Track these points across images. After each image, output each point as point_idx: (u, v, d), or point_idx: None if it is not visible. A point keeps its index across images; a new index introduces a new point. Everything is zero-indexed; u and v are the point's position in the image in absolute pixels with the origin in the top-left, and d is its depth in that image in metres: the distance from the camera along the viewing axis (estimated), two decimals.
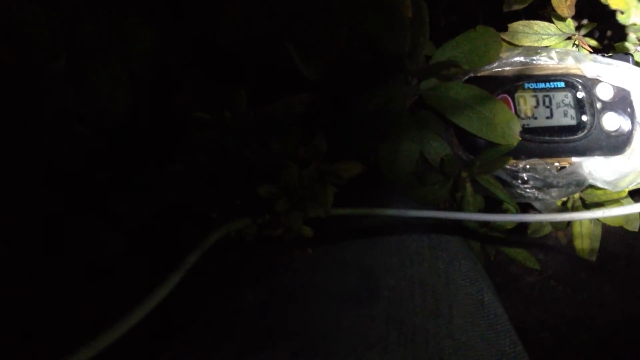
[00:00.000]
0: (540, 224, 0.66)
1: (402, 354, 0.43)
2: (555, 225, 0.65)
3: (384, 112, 0.56)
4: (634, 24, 0.64)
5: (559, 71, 0.63)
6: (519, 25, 0.68)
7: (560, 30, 0.66)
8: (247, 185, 0.46)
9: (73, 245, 0.57)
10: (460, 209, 0.60)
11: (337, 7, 0.45)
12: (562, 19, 0.68)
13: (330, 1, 0.45)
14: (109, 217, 0.57)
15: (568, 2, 0.65)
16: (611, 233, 0.79)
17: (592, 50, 0.68)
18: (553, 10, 0.66)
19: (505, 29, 0.68)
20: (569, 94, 0.63)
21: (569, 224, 0.69)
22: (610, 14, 0.66)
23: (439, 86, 0.57)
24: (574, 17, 0.70)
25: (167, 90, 0.56)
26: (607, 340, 1.11)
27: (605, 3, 0.63)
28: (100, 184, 0.56)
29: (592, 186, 0.68)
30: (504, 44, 0.69)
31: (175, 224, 0.57)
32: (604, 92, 0.62)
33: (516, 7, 0.65)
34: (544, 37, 0.68)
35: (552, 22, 0.68)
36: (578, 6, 0.66)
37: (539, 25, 0.69)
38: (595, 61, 0.59)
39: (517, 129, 0.57)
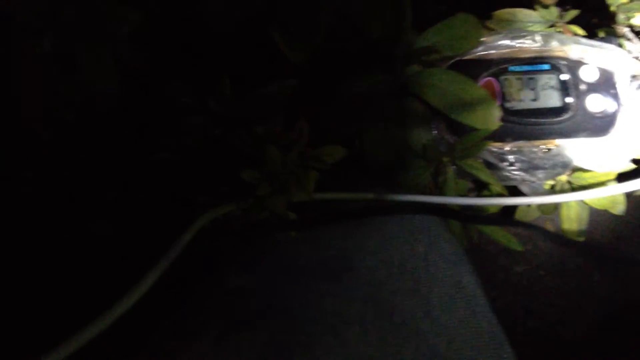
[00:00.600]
0: (527, 208, 0.66)
1: (379, 332, 0.44)
2: (543, 209, 0.65)
3: (368, 98, 0.57)
4: (623, 3, 0.63)
5: (544, 54, 0.64)
6: (503, 13, 0.69)
7: (544, 18, 0.68)
8: (232, 170, 0.47)
9: (60, 233, 0.57)
10: (442, 193, 0.61)
11: None
12: (545, 6, 0.69)
13: None
14: (97, 204, 0.57)
15: None
16: (599, 223, 0.79)
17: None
18: None
19: (490, 17, 0.69)
20: (554, 76, 0.64)
21: (556, 209, 0.68)
22: (593, 1, 0.68)
23: (422, 72, 0.57)
24: (557, 5, 0.71)
25: (155, 77, 0.56)
26: (596, 330, 1.11)
27: None
28: (87, 170, 0.56)
29: (579, 169, 0.69)
30: (489, 30, 0.70)
31: (162, 209, 0.57)
32: (588, 74, 0.63)
33: None
34: (527, 24, 0.69)
35: (536, 9, 0.69)
36: None
37: (523, 12, 0.70)
38: (579, 43, 0.60)
39: (497, 114, 0.58)
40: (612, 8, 0.64)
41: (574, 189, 0.67)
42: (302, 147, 0.48)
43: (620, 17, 0.63)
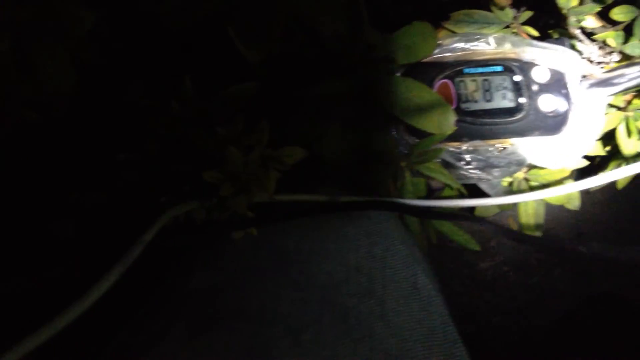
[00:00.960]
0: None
1: (334, 334, 0.44)
2: (502, 205, 0.66)
3: (326, 102, 0.58)
4: (574, 7, 0.64)
5: (497, 56, 0.65)
6: (460, 14, 0.70)
7: (499, 19, 0.70)
8: (194, 170, 0.47)
9: (21, 234, 0.57)
10: (401, 195, 0.61)
11: None
12: (501, 7, 0.71)
13: None
14: (58, 204, 0.57)
15: None
16: (560, 220, 0.81)
17: (530, 38, 0.70)
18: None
19: (448, 17, 0.71)
20: (507, 78, 0.65)
21: (515, 205, 0.70)
22: (547, 2, 0.70)
23: (379, 79, 0.58)
24: (512, 6, 0.72)
25: (117, 78, 0.57)
26: (559, 324, 1.14)
27: None
28: (47, 170, 0.56)
29: (534, 166, 0.71)
30: (447, 33, 0.71)
31: (125, 209, 0.57)
32: (539, 75, 0.65)
33: None
34: (483, 25, 0.70)
35: (492, 11, 0.71)
36: None
37: (479, 14, 0.71)
38: (531, 45, 0.62)
39: (453, 119, 0.58)
40: (564, 11, 0.65)
41: (530, 186, 0.68)
42: (263, 148, 0.49)
43: (572, 19, 0.65)
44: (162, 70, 0.56)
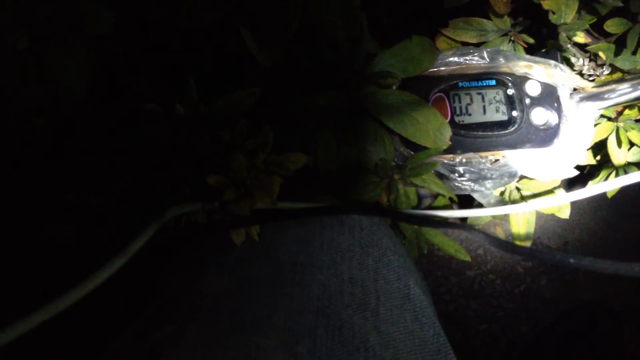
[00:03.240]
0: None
1: (329, 346, 0.44)
2: (494, 215, 0.66)
3: (323, 115, 0.58)
4: (565, 23, 0.64)
5: (491, 70, 0.66)
6: (458, 22, 0.71)
7: (497, 27, 0.72)
8: (197, 174, 0.47)
9: (22, 237, 0.56)
10: (394, 206, 0.63)
11: None
12: (499, 15, 0.72)
13: None
14: (59, 206, 0.56)
15: (504, 0, 0.69)
16: (547, 228, 0.80)
17: (526, 46, 0.74)
18: (490, 7, 0.70)
19: (447, 25, 0.72)
20: (500, 91, 0.66)
21: (505, 214, 0.69)
22: (544, 13, 0.71)
23: (376, 92, 0.59)
24: (510, 15, 0.74)
25: (122, 80, 0.57)
26: (544, 332, 1.19)
27: (537, 2, 0.68)
28: (49, 173, 0.56)
29: (526, 178, 0.72)
30: (445, 40, 0.73)
31: (126, 212, 0.57)
32: (532, 89, 0.66)
33: (457, 3, 0.69)
34: (482, 33, 0.73)
35: (490, 19, 0.73)
36: (514, 4, 0.70)
37: (478, 21, 0.72)
38: (523, 60, 0.62)
39: (448, 134, 0.59)
40: (560, 28, 0.65)
41: (522, 196, 0.67)
42: (267, 153, 0.49)
43: (563, 35, 0.64)
44: (166, 74, 0.57)
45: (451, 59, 0.65)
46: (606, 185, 0.56)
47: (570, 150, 0.67)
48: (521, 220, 0.73)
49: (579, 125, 0.67)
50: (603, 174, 0.73)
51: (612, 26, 0.71)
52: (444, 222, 0.62)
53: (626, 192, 0.75)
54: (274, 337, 0.44)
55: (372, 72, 0.58)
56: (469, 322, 1.15)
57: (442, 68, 0.65)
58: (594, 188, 0.56)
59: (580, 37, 0.70)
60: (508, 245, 0.50)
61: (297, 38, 0.49)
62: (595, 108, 0.67)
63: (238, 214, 0.45)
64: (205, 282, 0.50)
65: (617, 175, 0.73)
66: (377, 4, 0.72)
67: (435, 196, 0.77)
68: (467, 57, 0.65)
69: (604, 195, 0.70)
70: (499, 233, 1.08)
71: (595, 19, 0.72)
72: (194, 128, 0.50)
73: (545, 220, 1.13)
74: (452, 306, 1.15)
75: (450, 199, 0.66)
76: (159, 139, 0.50)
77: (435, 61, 0.62)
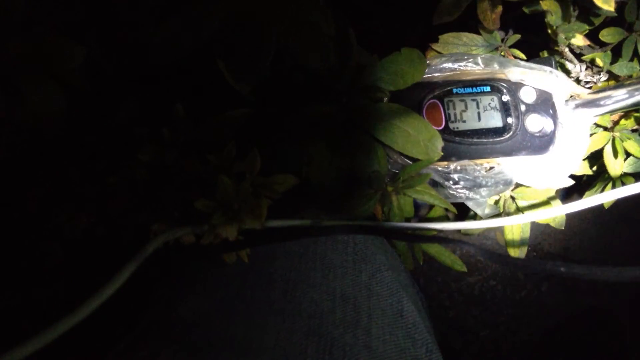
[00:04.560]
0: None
1: None
2: (488, 227, 0.64)
3: (314, 129, 0.58)
4: (563, 24, 0.62)
5: (485, 76, 0.66)
6: (449, 37, 0.71)
7: (487, 42, 0.73)
8: (185, 197, 0.48)
9: (11, 255, 0.57)
10: (388, 219, 0.62)
11: (263, 26, 0.47)
12: (489, 31, 0.72)
13: (256, 21, 0.47)
14: (49, 227, 0.57)
15: (493, 16, 0.68)
16: (548, 234, 0.78)
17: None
18: (480, 23, 0.69)
19: (437, 40, 0.71)
20: (495, 98, 0.65)
21: None
22: (534, 26, 0.71)
23: (366, 105, 0.59)
24: (500, 29, 0.73)
25: (108, 103, 0.57)
26: (545, 338, 1.16)
27: (529, 14, 0.68)
28: (39, 194, 0.56)
29: (521, 186, 0.71)
30: (435, 52, 0.71)
31: (115, 233, 0.57)
32: (527, 95, 0.66)
33: (446, 19, 0.68)
34: (472, 47, 0.72)
35: (480, 34, 0.72)
36: (504, 19, 0.69)
37: (467, 36, 0.72)
38: (518, 66, 0.62)
39: (440, 144, 0.59)
40: (553, 29, 0.63)
41: (517, 207, 0.65)
42: (255, 175, 0.49)
43: (561, 36, 0.63)
44: (152, 95, 0.57)
45: (445, 65, 0.64)
46: (602, 197, 0.56)
47: (566, 158, 0.65)
48: (515, 229, 0.72)
49: (575, 133, 0.66)
50: (599, 184, 0.71)
51: (608, 35, 0.70)
52: (438, 238, 0.62)
53: (627, 198, 0.74)
54: (263, 356, 0.43)
55: (362, 85, 0.58)
56: (470, 328, 1.15)
57: (436, 74, 0.65)
58: (590, 200, 0.55)
59: (579, 40, 0.68)
60: (500, 257, 0.49)
61: (286, 54, 0.50)
62: (592, 115, 0.66)
63: (226, 236, 0.46)
64: (183, 304, 0.50)
65: (613, 186, 0.71)
66: (372, 16, 0.71)
67: (431, 206, 0.75)
68: (462, 64, 0.65)
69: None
70: (499, 239, 1.06)
71: (590, 29, 0.71)
72: (181, 151, 0.50)
73: (547, 227, 1.11)
74: (453, 312, 1.14)
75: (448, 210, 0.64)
76: (148, 162, 0.50)
77: (424, 74, 0.61)
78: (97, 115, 0.56)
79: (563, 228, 0.73)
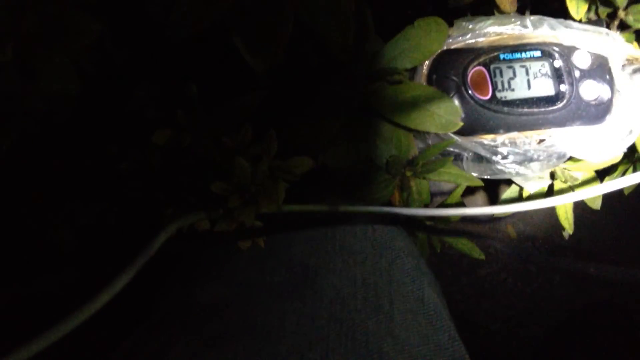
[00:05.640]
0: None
1: (342, 352, 0.44)
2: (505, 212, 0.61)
3: (331, 113, 0.57)
4: (637, 6, 0.65)
5: (535, 40, 0.63)
6: (463, 21, 0.66)
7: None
8: (200, 181, 0.48)
9: (23, 242, 0.54)
10: (406, 205, 0.62)
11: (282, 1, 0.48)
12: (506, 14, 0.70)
13: None
14: (61, 214, 0.55)
15: None
16: (559, 227, 0.73)
17: None
18: (496, 5, 0.66)
19: (451, 24, 0.66)
20: (546, 63, 0.63)
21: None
22: (553, 9, 0.67)
23: (380, 88, 0.57)
24: (517, 12, 0.70)
25: (121, 86, 0.55)
26: (556, 331, 1.15)
27: None
28: (50, 180, 0.54)
29: (574, 159, 0.67)
30: None
31: (128, 219, 0.56)
32: (581, 60, 0.67)
33: (461, 1, 0.66)
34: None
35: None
36: (520, 2, 0.68)
37: (482, 20, 0.67)
38: (571, 28, 0.60)
39: (458, 115, 0.57)
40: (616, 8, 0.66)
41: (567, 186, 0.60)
42: (271, 158, 0.50)
43: (630, 18, 0.59)
44: (166, 78, 0.56)
45: (490, 29, 0.66)
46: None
47: (624, 128, 0.60)
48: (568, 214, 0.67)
49: (633, 100, 0.62)
50: (621, 169, 0.66)
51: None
52: (453, 231, 0.63)
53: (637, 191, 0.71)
54: (285, 343, 0.44)
55: (377, 69, 0.58)
56: (480, 322, 1.23)
57: (481, 39, 0.67)
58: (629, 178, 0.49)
59: None
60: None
61: (303, 36, 0.51)
62: None
63: (243, 220, 0.47)
64: (200, 291, 0.50)
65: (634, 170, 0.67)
66: (384, 4, 0.71)
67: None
68: (509, 27, 0.65)
69: (617, 193, 0.65)
70: (511, 232, 1.01)
71: (611, 10, 0.69)
72: (196, 134, 0.51)
73: (557, 219, 1.05)
74: (464, 305, 1.14)
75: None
76: (162, 146, 0.50)
77: (443, 42, 0.58)
78: (109, 99, 0.56)
79: (599, 208, 0.72)
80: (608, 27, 0.69)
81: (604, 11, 0.68)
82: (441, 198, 0.82)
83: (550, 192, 0.71)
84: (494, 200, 1.14)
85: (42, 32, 0.46)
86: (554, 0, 0.68)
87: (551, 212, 0.83)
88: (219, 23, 0.49)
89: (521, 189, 0.71)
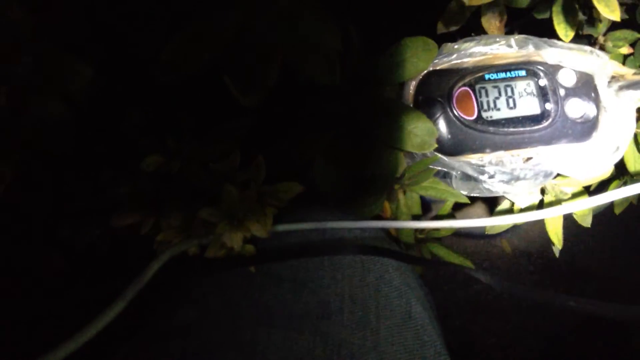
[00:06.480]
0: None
1: None
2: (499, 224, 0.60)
3: (318, 129, 0.58)
4: (614, 32, 0.66)
5: (520, 59, 0.64)
6: (452, 46, 0.67)
7: None
8: (190, 207, 0.48)
9: (14, 267, 0.55)
10: (395, 217, 0.63)
11: (271, 46, 0.48)
12: None
13: (264, 41, 0.48)
14: (53, 240, 0.55)
15: (498, 24, 0.66)
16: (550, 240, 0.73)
17: None
18: (484, 31, 0.67)
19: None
20: (531, 82, 0.64)
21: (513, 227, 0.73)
22: (541, 33, 0.65)
23: (367, 105, 0.57)
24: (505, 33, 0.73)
25: (112, 115, 0.56)
26: (552, 346, 1.12)
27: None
28: (42, 207, 0.54)
29: (561, 177, 0.67)
30: None
31: (119, 245, 0.57)
32: (566, 78, 0.68)
33: (451, 28, 0.66)
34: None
35: None
36: (509, 26, 0.70)
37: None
38: (555, 46, 0.60)
39: (434, 137, 0.56)
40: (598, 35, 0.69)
41: (555, 200, 0.59)
42: (260, 184, 0.51)
43: (609, 45, 0.60)
44: (157, 106, 0.57)
45: (475, 49, 0.67)
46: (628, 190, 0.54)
47: (610, 146, 0.59)
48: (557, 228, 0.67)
49: (619, 117, 0.65)
50: (615, 184, 0.69)
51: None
52: (442, 262, 0.62)
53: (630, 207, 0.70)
54: (272, 358, 0.44)
55: (363, 85, 0.58)
56: (477, 336, 1.21)
57: (466, 59, 0.66)
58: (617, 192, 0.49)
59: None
60: (507, 285, 0.53)
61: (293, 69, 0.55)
62: (638, 97, 0.60)
63: (232, 245, 0.47)
64: (181, 313, 0.49)
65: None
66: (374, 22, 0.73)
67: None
68: (494, 47, 0.66)
69: (610, 211, 0.69)
70: (505, 247, 1.00)
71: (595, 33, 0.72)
72: (186, 160, 0.52)
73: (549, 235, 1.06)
74: (459, 321, 1.10)
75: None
76: (151, 173, 0.51)
77: (430, 62, 0.60)
78: (102, 126, 0.57)
79: (589, 226, 0.69)
80: (592, 45, 0.70)
81: (631, 35, 0.66)
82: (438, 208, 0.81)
83: (540, 207, 0.69)
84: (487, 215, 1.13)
85: (36, 76, 0.46)
86: (541, 25, 0.67)
87: (541, 227, 0.82)
88: (207, 66, 0.50)
89: (512, 204, 0.72)
